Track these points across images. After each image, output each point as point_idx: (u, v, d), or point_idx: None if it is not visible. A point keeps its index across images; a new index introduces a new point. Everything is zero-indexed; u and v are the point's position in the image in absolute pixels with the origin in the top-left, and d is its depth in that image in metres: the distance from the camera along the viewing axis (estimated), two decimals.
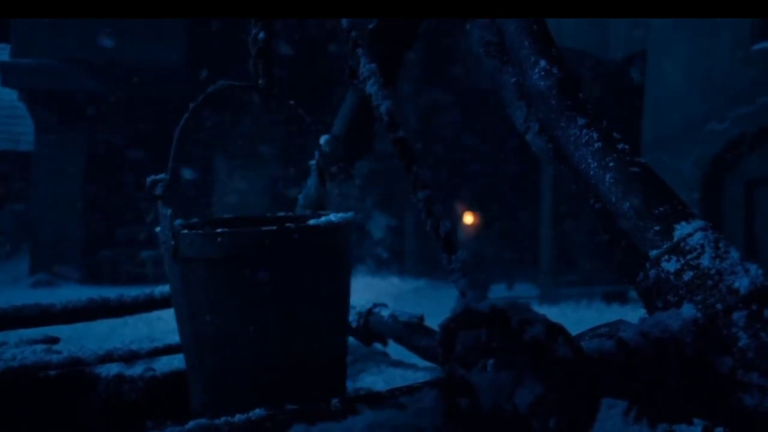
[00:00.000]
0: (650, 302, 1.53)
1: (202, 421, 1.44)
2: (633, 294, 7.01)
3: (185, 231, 1.73)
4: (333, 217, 1.75)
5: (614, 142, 1.57)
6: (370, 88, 1.43)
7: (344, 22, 1.51)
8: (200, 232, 1.72)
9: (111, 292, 2.65)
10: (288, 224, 1.80)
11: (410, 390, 1.54)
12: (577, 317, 6.70)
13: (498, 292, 8.11)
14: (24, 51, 9.20)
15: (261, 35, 1.64)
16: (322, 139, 2.55)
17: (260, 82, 1.71)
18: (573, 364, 1.09)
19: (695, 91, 7.15)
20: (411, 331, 2.19)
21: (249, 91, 1.74)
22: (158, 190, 1.71)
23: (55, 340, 2.62)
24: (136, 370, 2.41)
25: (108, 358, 2.15)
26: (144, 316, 3.65)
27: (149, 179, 1.73)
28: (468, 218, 10.13)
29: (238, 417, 1.47)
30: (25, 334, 2.62)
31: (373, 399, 1.47)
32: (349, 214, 1.80)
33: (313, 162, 2.57)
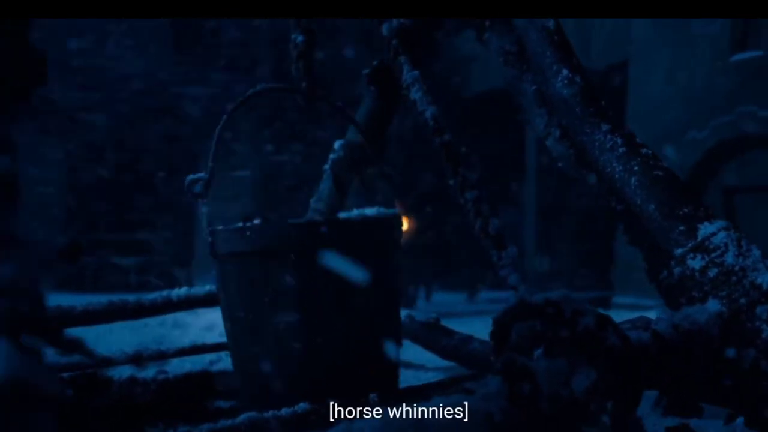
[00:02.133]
0: (673, 299, 1.61)
1: (252, 414, 1.49)
2: (617, 300, 7.14)
3: (220, 227, 1.77)
4: (368, 211, 1.72)
5: (638, 147, 1.66)
6: (415, 94, 1.49)
7: (384, 30, 1.57)
8: (231, 227, 1.75)
9: (97, 300, 2.65)
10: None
11: (445, 383, 1.60)
12: None
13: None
14: None
15: (299, 39, 1.70)
16: (337, 144, 2.60)
17: (303, 84, 1.75)
18: (622, 352, 1.17)
19: (676, 101, 7.31)
20: (428, 331, 2.25)
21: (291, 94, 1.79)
22: (197, 188, 1.74)
23: None
24: (149, 372, 2.44)
25: (138, 357, 2.19)
26: (130, 324, 3.62)
27: (188, 178, 1.76)
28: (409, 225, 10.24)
29: (285, 410, 1.52)
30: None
31: (414, 392, 1.53)
32: (391, 210, 1.76)
33: (327, 166, 2.62)
